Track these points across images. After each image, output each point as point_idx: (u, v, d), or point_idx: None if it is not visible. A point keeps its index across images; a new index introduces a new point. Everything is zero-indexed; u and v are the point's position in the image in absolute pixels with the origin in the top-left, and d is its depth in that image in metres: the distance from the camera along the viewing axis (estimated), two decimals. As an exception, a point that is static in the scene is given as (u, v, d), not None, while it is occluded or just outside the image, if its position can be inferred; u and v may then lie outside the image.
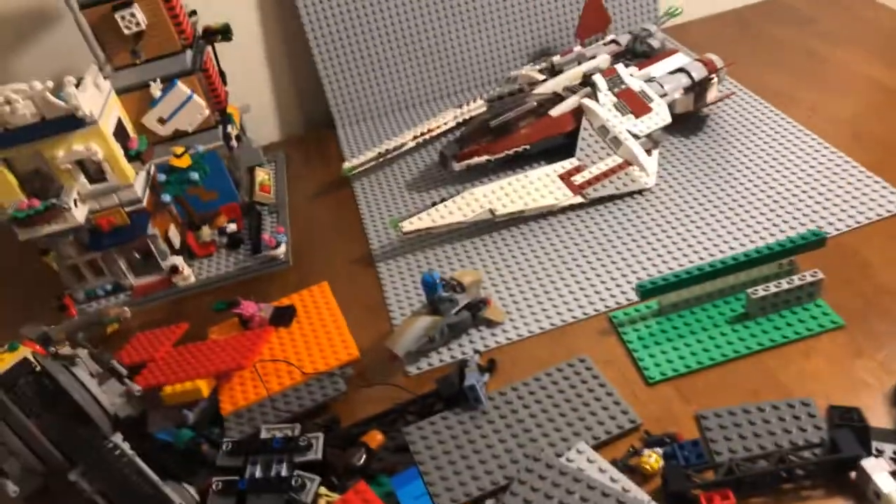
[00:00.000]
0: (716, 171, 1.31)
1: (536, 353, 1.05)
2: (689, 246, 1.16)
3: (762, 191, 1.23)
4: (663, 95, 1.39)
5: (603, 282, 1.14)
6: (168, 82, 1.29)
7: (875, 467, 0.78)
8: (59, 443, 0.92)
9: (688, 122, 1.43)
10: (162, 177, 1.30)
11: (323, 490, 0.91)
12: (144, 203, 1.27)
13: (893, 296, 1.00)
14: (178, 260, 1.31)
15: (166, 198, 1.29)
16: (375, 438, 0.96)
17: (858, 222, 1.13)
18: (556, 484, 0.82)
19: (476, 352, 1.05)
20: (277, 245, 1.32)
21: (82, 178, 1.22)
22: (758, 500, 0.81)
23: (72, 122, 1.14)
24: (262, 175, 1.55)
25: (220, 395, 1.07)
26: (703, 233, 1.18)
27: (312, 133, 1.77)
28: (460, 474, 0.90)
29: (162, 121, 1.32)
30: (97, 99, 1.19)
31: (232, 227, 1.39)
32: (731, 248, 1.14)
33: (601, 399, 0.95)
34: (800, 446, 0.83)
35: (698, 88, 1.39)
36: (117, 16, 1.20)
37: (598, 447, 0.90)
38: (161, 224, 1.33)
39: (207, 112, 1.34)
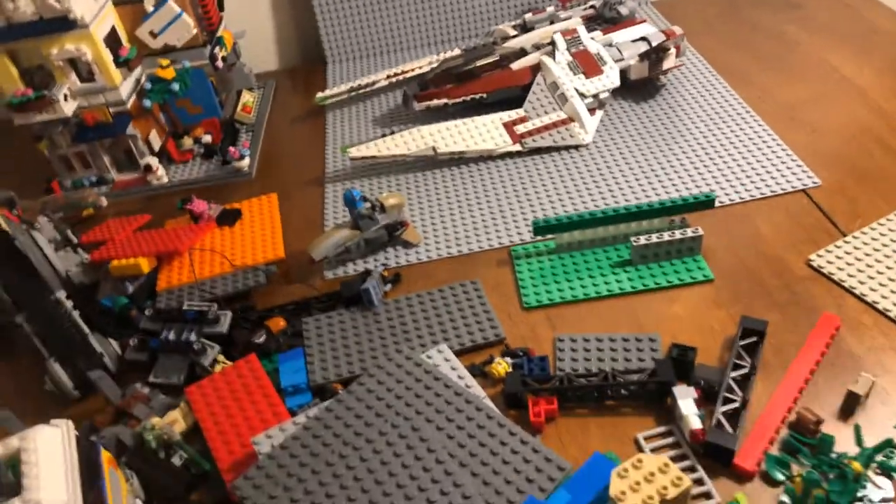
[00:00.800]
0: (651, 134, 1.38)
1: (439, 273, 1.17)
2: (602, 197, 1.25)
3: (687, 157, 1.31)
4: (619, 60, 1.46)
5: (515, 220, 1.24)
6: (160, -1, 1.43)
7: (683, 393, 0.88)
8: (11, 290, 1.08)
9: (643, 88, 1.50)
10: (148, 85, 1.45)
11: (221, 358, 1.05)
12: (128, 105, 1.42)
13: (767, 263, 1.08)
14: (153, 160, 1.46)
15: (147, 103, 1.43)
16: (278, 324, 1.09)
17: (763, 193, 1.20)
18: (409, 372, 0.93)
19: (383, 265, 1.17)
20: (241, 158, 1.45)
21: (73, 76, 1.37)
22: (583, 410, 0.92)
23: (65, 23, 1.29)
24: (247, 97, 1.68)
25: (160, 274, 1.21)
26: (620, 187, 1.26)
27: (308, 66, 1.89)
28: (337, 359, 1.02)
29: (153, 34, 1.46)
30: (91, 6, 1.33)
31: (207, 138, 1.53)
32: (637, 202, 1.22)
33: (478, 315, 1.06)
34: (627, 371, 0.93)
35: (654, 56, 1.45)
36: (116, -68, 1.33)
37: (462, 353, 1.01)
38: (143, 127, 1.48)
39: (195, 31, 1.47)
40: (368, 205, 1.19)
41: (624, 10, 1.54)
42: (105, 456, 0.86)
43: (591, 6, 1.65)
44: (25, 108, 1.33)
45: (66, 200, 1.39)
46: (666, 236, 1.08)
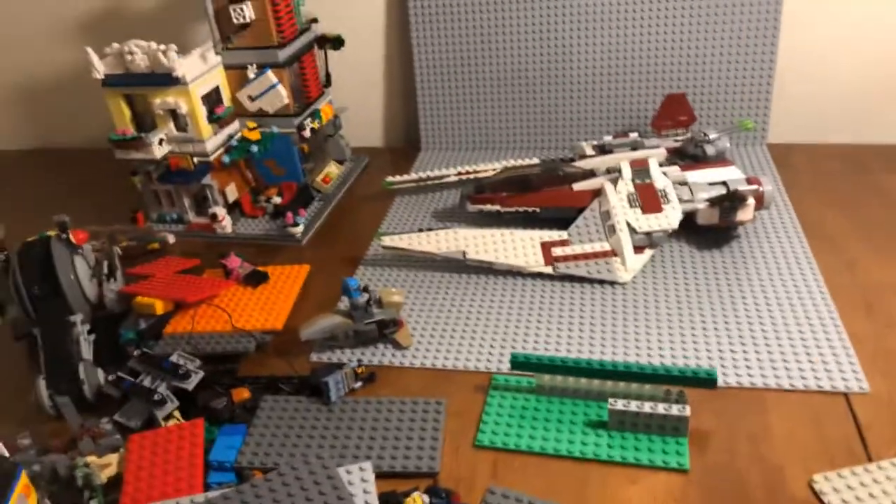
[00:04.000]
0: (698, 288, 1.25)
1: (413, 383, 1.12)
2: (614, 343, 1.14)
3: (725, 322, 1.16)
4: (687, 202, 1.35)
5: (514, 345, 1.17)
6: (261, 68, 1.55)
7: None
8: (36, 302, 1.21)
9: (712, 233, 1.37)
10: (234, 142, 1.58)
11: (177, 414, 1.08)
12: (211, 158, 1.55)
13: (762, 469, 0.91)
14: (221, 210, 1.57)
15: (226, 158, 1.55)
16: (241, 394, 1.11)
17: (793, 385, 1.03)
18: (317, 482, 0.90)
19: (359, 361, 1.15)
20: (295, 224, 1.52)
21: (171, 125, 1.53)
22: (478, 579, 0.82)
23: (169, 79, 1.45)
24: (332, 168, 1.77)
25: (174, 318, 1.29)
26: (637, 339, 1.15)
27: (406, 150, 1.95)
28: (272, 446, 1.01)
29: (251, 98, 1.59)
30: (197, 67, 1.49)
31: (277, 199, 1.62)
32: (650, 361, 1.10)
33: (424, 440, 1.00)
34: (538, 550, 0.82)
35: (728, 204, 1.32)
36: (230, 8, 1.48)
37: (391, 475, 0.96)
38: (222, 179, 1.60)
39: (287, 101, 1.58)
40: (366, 297, 1.18)
41: (710, 150, 1.43)
42: (22, 482, 0.91)
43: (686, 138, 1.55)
44: (123, 146, 1.50)
45: (135, 232, 1.54)
46: (647, 407, 0.96)
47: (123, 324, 1.31)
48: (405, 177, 1.65)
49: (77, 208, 1.64)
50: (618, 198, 1.36)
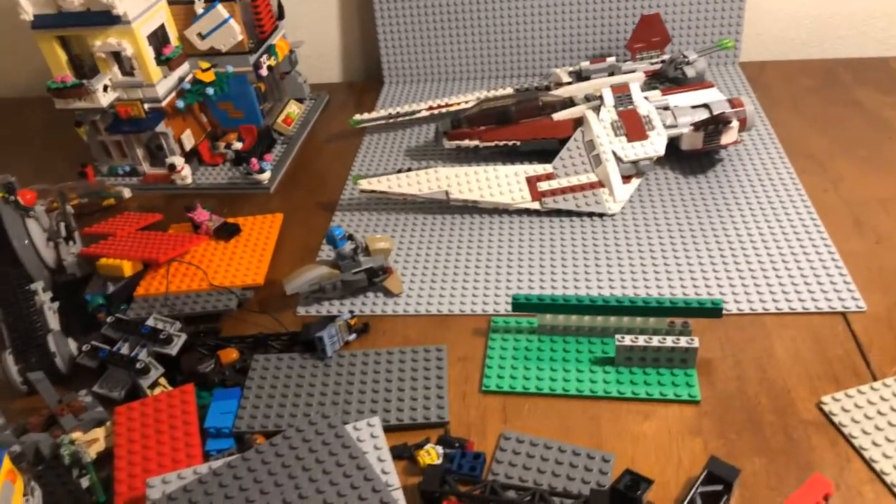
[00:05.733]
0: (688, 216, 1.23)
1: (409, 330, 1.09)
2: (610, 277, 1.12)
3: (719, 249, 1.15)
4: (671, 127, 1.31)
5: (508, 286, 1.13)
6: (210, 2, 1.42)
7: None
8: (-8, 275, 1.11)
9: (695, 158, 1.35)
10: (187, 85, 1.45)
11: (163, 381, 1.02)
12: (163, 103, 1.43)
13: (770, 394, 0.92)
14: (178, 160, 1.46)
15: (180, 103, 1.44)
16: (229, 355, 1.05)
17: (792, 308, 1.03)
18: (326, 443, 0.86)
19: (350, 312, 1.10)
20: (261, 171, 1.43)
21: (116, 69, 1.39)
22: (502, 526, 0.81)
23: (109, 17, 1.31)
24: (293, 107, 1.67)
25: (143, 279, 1.21)
26: (633, 271, 1.13)
27: (368, 84, 1.85)
28: (270, 408, 0.97)
29: (200, 36, 1.46)
30: (139, 2, 1.35)
31: (238, 145, 1.52)
32: (648, 293, 1.09)
33: (429, 389, 0.97)
34: (562, 493, 0.81)
35: (712, 128, 1.29)
36: (172, -66, 1.35)
37: (399, 429, 0.93)
38: (177, 126, 1.49)
39: (241, 37, 1.46)
40: (352, 245, 1.13)
41: (690, 72, 1.40)
42: (5, 466, 0.84)
43: (662, 61, 1.51)
44: (63, 94, 1.37)
45: (87, 188, 1.42)
46: (655, 341, 0.95)
47: (88, 288, 1.21)
48: (373, 114, 1.56)
49: (14, 166, 1.51)
50: (601, 126, 1.32)
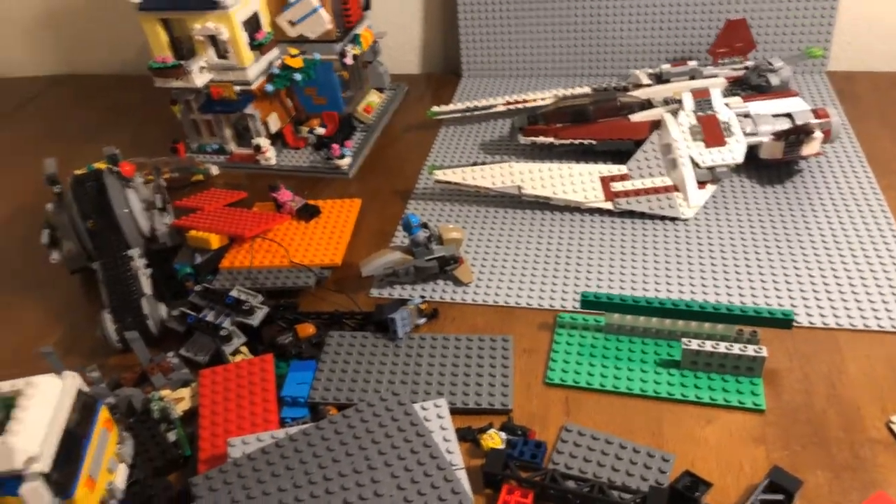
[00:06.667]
0: (763, 225, 1.22)
1: (477, 319, 1.12)
2: (679, 281, 1.13)
3: (793, 260, 1.14)
4: (751, 134, 1.30)
5: (577, 284, 1.15)
6: (302, -9, 1.49)
7: (669, 535, 0.77)
8: (94, 237, 1.19)
9: (775, 168, 1.33)
10: (276, 70, 1.52)
11: (244, 349, 1.08)
12: (253, 86, 1.50)
13: (839, 410, 0.91)
14: (264, 141, 1.53)
15: (269, 87, 1.50)
16: (306, 330, 1.10)
17: (867, 325, 1.02)
18: (395, 419, 0.90)
19: (422, 297, 1.14)
20: (341, 156, 1.49)
21: (212, 52, 1.47)
22: (559, 514, 0.84)
23: (209, 2, 1.39)
24: (374, 97, 1.72)
25: (228, 252, 1.28)
26: (703, 277, 1.13)
27: (445, 77, 1.89)
28: (343, 381, 1.02)
29: (291, 23, 1.52)
30: (237, -10, 1.42)
31: (320, 130, 1.58)
32: (718, 300, 1.09)
33: (494, 377, 1.01)
34: (621, 487, 0.83)
35: (793, 137, 1.28)
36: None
37: (464, 412, 0.96)
38: (264, 109, 1.56)
39: (330, 26, 1.51)
40: (426, 233, 1.16)
41: (774, 80, 1.38)
42: (103, 415, 0.92)
43: (745, 67, 1.49)
44: (163, 74, 1.45)
45: (178, 163, 1.51)
46: (723, 347, 0.95)
47: (177, 258, 1.29)
48: (451, 106, 1.60)
49: (112, 139, 1.61)
50: (679, 130, 1.32)
